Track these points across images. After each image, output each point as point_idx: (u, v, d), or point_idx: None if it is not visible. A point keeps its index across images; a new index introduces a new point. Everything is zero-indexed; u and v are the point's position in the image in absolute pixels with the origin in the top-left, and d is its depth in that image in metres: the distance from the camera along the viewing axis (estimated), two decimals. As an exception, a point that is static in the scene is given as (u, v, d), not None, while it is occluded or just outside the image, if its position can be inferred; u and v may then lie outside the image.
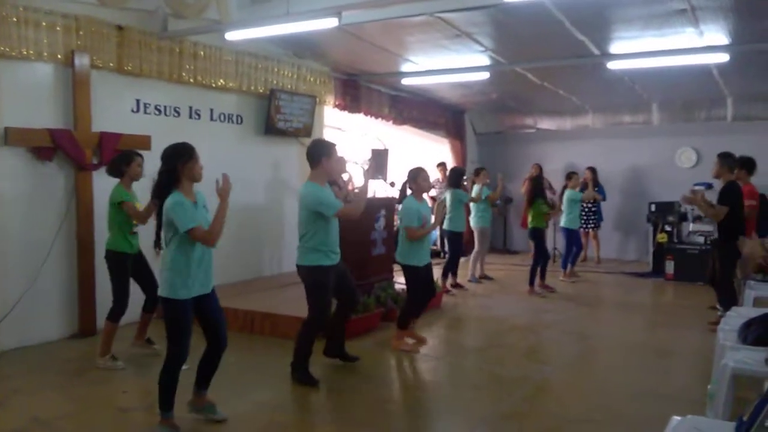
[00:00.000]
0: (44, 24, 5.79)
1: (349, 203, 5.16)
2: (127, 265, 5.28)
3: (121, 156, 5.43)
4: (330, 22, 5.97)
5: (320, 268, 4.89)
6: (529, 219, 8.92)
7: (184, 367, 4.03)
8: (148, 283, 5.45)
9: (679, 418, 2.83)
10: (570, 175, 9.78)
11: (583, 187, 11.14)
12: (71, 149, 5.97)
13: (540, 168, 11.27)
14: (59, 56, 5.94)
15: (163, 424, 3.94)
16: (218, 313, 4.09)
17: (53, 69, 5.98)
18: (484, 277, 9.85)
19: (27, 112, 5.76)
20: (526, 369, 5.60)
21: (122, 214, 5.18)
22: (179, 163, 3.86)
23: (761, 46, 7.36)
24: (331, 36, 7.57)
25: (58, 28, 5.91)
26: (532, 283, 8.74)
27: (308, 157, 5.00)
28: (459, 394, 5.01)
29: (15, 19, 5.55)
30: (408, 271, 5.89)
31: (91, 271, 6.14)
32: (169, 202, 3.80)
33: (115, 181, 5.32)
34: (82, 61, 6.09)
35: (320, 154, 4.93)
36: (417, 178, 5.92)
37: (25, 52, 5.67)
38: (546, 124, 12.95)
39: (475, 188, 9.51)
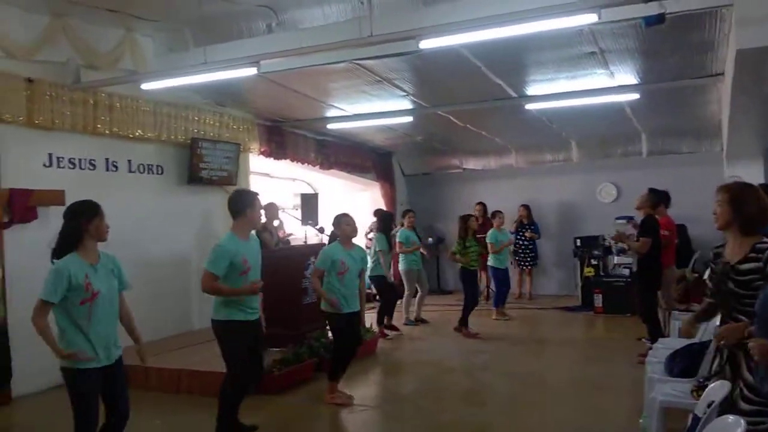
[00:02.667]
0: (-53, 79, 5.53)
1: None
2: None
3: None
4: (248, 71, 5.91)
5: (233, 323, 4.64)
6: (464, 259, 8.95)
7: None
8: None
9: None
10: (494, 214, 9.93)
11: (519, 225, 11.34)
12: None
13: (484, 206, 11.41)
14: (-36, 111, 5.66)
15: None
16: (122, 378, 3.77)
17: (-42, 125, 5.70)
18: (420, 320, 9.77)
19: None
20: (462, 413, 5.54)
21: None
22: (84, 220, 3.61)
23: (668, 85, 7.74)
24: (252, 83, 7.53)
25: (-37, 83, 5.64)
26: (465, 324, 8.73)
27: (230, 208, 4.80)
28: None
29: None
30: (330, 318, 5.72)
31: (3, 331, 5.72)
32: (52, 267, 3.52)
33: None
34: (-12, 115, 5.82)
35: (244, 205, 4.75)
36: (340, 223, 5.81)
37: None
38: (472, 164, 13.18)
39: (400, 232, 9.48)
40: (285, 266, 7.08)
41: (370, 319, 8.53)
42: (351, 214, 5.92)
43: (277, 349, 6.63)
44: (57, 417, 4.92)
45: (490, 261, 9.72)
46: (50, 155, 6.53)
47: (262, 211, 5.93)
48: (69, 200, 6.18)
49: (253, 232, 4.95)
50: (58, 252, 3.58)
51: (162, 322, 7.47)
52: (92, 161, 6.96)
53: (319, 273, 5.61)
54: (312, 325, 7.11)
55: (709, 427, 2.23)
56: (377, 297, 9.34)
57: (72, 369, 3.54)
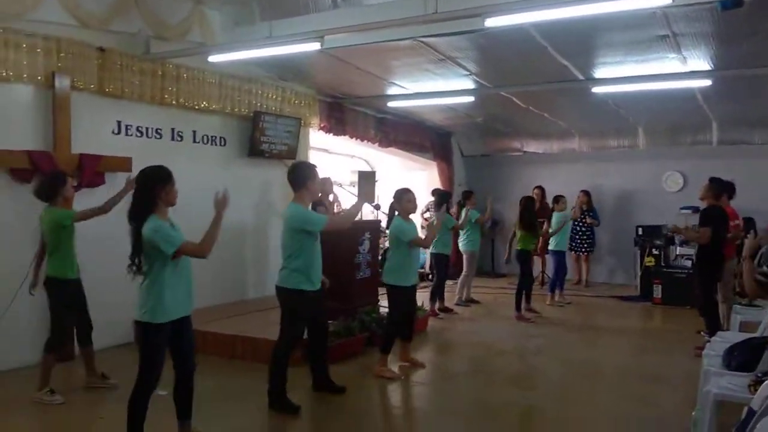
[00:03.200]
0: (24, 46, 5.75)
1: (337, 215, 5.07)
2: (70, 293, 5.08)
3: (54, 176, 5.19)
4: (312, 46, 5.97)
5: (299, 293, 4.81)
6: (516, 241, 8.88)
7: (162, 392, 3.93)
8: (84, 312, 5.24)
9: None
10: (557, 199, 9.77)
11: (578, 211, 11.12)
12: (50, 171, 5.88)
13: (542, 190, 11.26)
14: (39, 78, 5.88)
15: None
16: (190, 337, 4.01)
17: (33, 91, 5.93)
18: (470, 300, 9.78)
19: (6, 133, 5.69)
20: (511, 395, 5.52)
21: (66, 235, 5.00)
22: (158, 186, 3.80)
23: (743, 72, 7.42)
24: (315, 59, 7.57)
25: (38, 50, 5.86)
26: (518, 308, 8.66)
27: (291, 180, 4.96)
28: (442, 421, 4.91)
29: (-6, 41, 5.50)
30: (394, 291, 5.83)
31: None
32: (148, 227, 3.70)
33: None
34: (62, 82, 6.04)
35: (305, 177, 4.91)
36: (401, 199, 5.89)
37: (4, 74, 5.61)
38: (533, 147, 12.98)
39: (464, 212, 9.47)
40: (339, 241, 7.14)
41: (421, 297, 8.59)
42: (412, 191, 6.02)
43: (330, 322, 6.73)
44: (119, 372, 5.19)
45: (551, 245, 9.60)
46: (119, 123, 6.75)
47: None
48: (135, 167, 6.49)
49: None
50: (135, 214, 3.76)
51: (219, 290, 7.70)
52: (159, 130, 7.16)
53: (419, 240, 5.90)
54: (364, 300, 7.19)
55: (764, 422, 2.17)
56: (430, 276, 9.35)
57: (146, 322, 3.75)
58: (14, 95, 5.82)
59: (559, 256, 9.59)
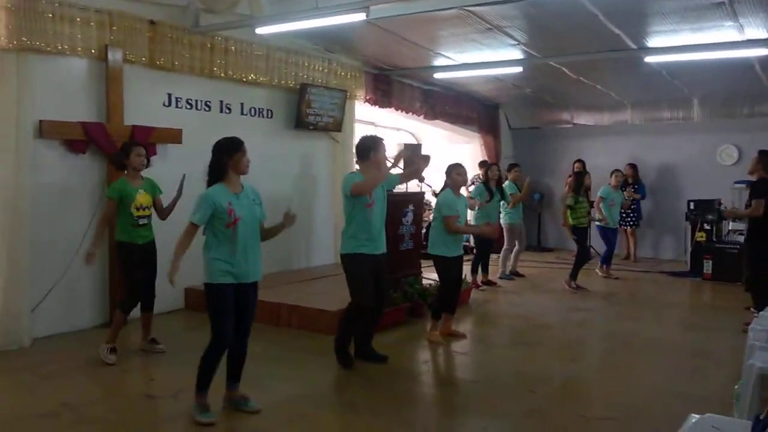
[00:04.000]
0: (78, 20, 5.91)
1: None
2: (134, 257, 5.28)
3: (121, 148, 5.45)
4: (358, 17, 5.98)
5: (356, 256, 5.02)
6: (570, 217, 8.81)
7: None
8: (151, 277, 5.46)
9: (697, 416, 2.75)
10: (613, 173, 9.65)
11: (624, 184, 10.89)
12: (104, 142, 6.09)
13: (583, 164, 11.09)
14: (93, 51, 6.06)
15: (196, 402, 4.07)
16: (253, 300, 4.18)
17: (87, 64, 6.12)
18: (516, 274, 9.75)
19: (61, 105, 5.90)
20: (552, 367, 5.52)
21: (122, 206, 5.20)
22: (226, 156, 4.01)
23: (804, 40, 7.12)
24: (361, 30, 7.57)
25: (92, 24, 6.02)
26: (574, 277, 8.65)
27: (357, 151, 5.22)
28: (481, 390, 4.96)
29: (50, 15, 5.67)
30: (438, 262, 5.95)
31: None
32: (203, 193, 3.96)
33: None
34: (115, 55, 6.20)
35: (368, 149, 5.11)
36: (452, 172, 6.03)
37: (59, 47, 5.79)
38: (583, 119, 12.73)
39: (506, 184, 9.41)
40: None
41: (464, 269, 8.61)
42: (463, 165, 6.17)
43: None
44: (181, 335, 5.41)
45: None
46: (169, 95, 6.91)
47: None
48: (185, 139, 6.66)
49: None
50: (209, 182, 4.04)
51: (268, 259, 7.82)
52: (208, 103, 7.30)
53: (451, 220, 5.86)
54: (407, 271, 7.25)
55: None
56: (473, 249, 9.35)
57: (212, 284, 3.98)
58: (69, 68, 6.02)
59: (605, 231, 9.46)
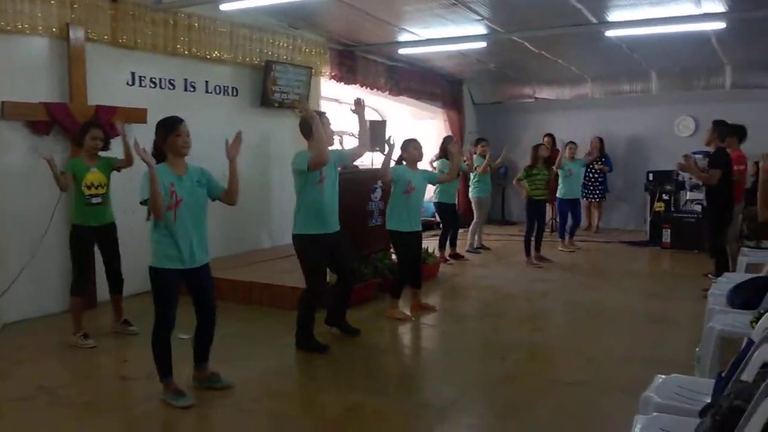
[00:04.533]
0: (38, -3, 5.78)
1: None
2: (84, 239, 5.23)
3: (81, 127, 5.39)
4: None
5: (307, 237, 4.95)
6: (527, 190, 8.95)
7: (184, 336, 4.11)
8: (111, 261, 5.44)
9: (663, 376, 2.91)
10: (567, 145, 9.80)
11: (597, 159, 11.05)
12: (67, 122, 5.98)
13: (553, 138, 11.24)
14: (54, 30, 5.92)
15: (166, 390, 4.05)
16: (206, 283, 4.14)
17: (48, 43, 5.98)
18: (482, 247, 9.92)
19: (23, 86, 5.77)
20: (519, 336, 5.69)
21: (73, 185, 5.16)
22: (161, 137, 3.95)
23: (757, 14, 7.31)
24: (325, 6, 7.55)
25: (52, 2, 5.88)
26: (528, 253, 8.81)
27: (302, 130, 5.07)
28: (453, 360, 5.11)
29: (9, -7, 5.53)
30: (394, 236, 6.01)
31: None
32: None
33: None
34: (76, 34, 6.07)
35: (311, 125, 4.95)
36: (408, 147, 6.08)
37: (20, 26, 5.65)
38: (545, 93, 12.91)
39: (476, 159, 9.53)
40: (352, 189, 7.23)
41: (432, 244, 8.74)
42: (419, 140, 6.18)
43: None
44: (139, 319, 5.40)
45: (560, 192, 9.69)
46: (133, 74, 6.80)
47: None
48: (150, 118, 6.57)
49: None
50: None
51: (232, 240, 7.85)
52: (172, 81, 7.22)
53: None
54: (376, 247, 7.34)
55: (763, 348, 2.29)
56: (439, 224, 9.48)
57: (156, 267, 3.91)
58: (30, 48, 5.89)
59: (571, 203, 9.67)
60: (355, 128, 5.51)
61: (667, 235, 9.89)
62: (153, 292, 4.00)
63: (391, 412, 4.07)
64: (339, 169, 5.29)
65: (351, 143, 9.76)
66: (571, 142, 9.98)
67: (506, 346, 5.37)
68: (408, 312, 6.21)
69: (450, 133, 11.90)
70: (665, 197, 10.35)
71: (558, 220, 10.40)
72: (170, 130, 3.94)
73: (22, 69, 5.81)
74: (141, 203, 3.85)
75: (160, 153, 3.95)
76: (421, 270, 6.40)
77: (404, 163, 6.10)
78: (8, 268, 5.69)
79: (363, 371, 4.77)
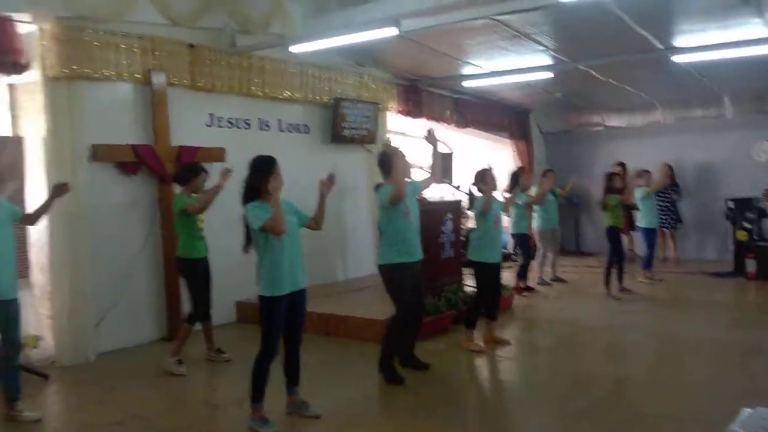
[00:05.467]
0: (123, 46, 6.15)
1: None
2: (197, 271, 5.53)
3: (190, 167, 5.72)
4: (390, 32, 6.11)
5: (395, 266, 5.05)
6: (605, 217, 8.78)
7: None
8: (206, 290, 5.67)
9: (749, 410, 2.78)
10: (641, 173, 9.58)
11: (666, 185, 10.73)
12: (153, 163, 6.30)
13: (623, 166, 11.02)
14: (138, 76, 6.30)
15: (254, 415, 4.17)
16: (302, 305, 4.31)
17: (133, 88, 6.36)
18: (556, 279, 9.72)
19: (111, 129, 6.14)
20: (600, 368, 5.54)
21: (188, 220, 5.43)
22: (259, 177, 4.11)
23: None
24: (390, 43, 7.67)
25: (135, 50, 6.26)
26: (607, 284, 8.59)
27: (380, 167, 5.23)
28: (533, 392, 5.01)
29: (97, 43, 5.92)
30: (476, 267, 5.98)
31: (176, 277, 6.35)
32: (248, 205, 4.08)
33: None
34: (158, 79, 6.43)
35: (389, 161, 5.15)
36: (485, 176, 6.03)
37: (107, 74, 6.04)
38: (615, 121, 12.70)
39: (533, 189, 9.40)
40: (424, 221, 7.25)
41: (508, 276, 8.65)
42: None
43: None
44: (238, 346, 5.64)
45: (639, 221, 9.45)
46: (211, 115, 7.13)
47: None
48: (228, 157, 6.83)
49: None
50: (244, 198, 4.14)
51: (310, 272, 7.92)
52: (247, 121, 7.51)
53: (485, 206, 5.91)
54: (448, 279, 7.32)
55: None
56: (513, 256, 9.38)
57: (266, 296, 4.10)
58: (117, 93, 6.26)
59: (649, 232, 9.39)
60: (425, 159, 5.60)
61: (752, 266, 9.45)
62: (261, 320, 4.15)
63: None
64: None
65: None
66: (645, 170, 9.74)
67: (586, 378, 5.23)
68: (482, 344, 6.15)
69: (519, 164, 11.87)
70: (747, 225, 9.91)
71: (636, 250, 10.08)
72: (269, 171, 4.11)
73: (110, 113, 6.18)
74: (260, 230, 4.01)
75: (253, 190, 4.12)
76: (499, 302, 6.34)
77: (481, 194, 6.06)
78: (101, 301, 5.97)
79: (440, 402, 4.73)
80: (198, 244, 5.51)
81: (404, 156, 5.25)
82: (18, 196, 5.70)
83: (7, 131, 5.89)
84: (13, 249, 4.42)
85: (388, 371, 5.12)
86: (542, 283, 9.47)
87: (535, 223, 9.40)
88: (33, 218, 4.66)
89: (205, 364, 5.73)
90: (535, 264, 9.51)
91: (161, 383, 5.25)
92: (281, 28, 7.35)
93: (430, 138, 5.39)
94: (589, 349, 6.17)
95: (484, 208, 5.88)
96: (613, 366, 5.61)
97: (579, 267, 11.05)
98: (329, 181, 4.42)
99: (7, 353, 4.39)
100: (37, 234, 5.72)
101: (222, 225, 5.97)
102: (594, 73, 9.32)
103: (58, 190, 4.49)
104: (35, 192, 5.62)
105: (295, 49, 7.14)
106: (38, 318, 5.82)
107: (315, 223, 4.42)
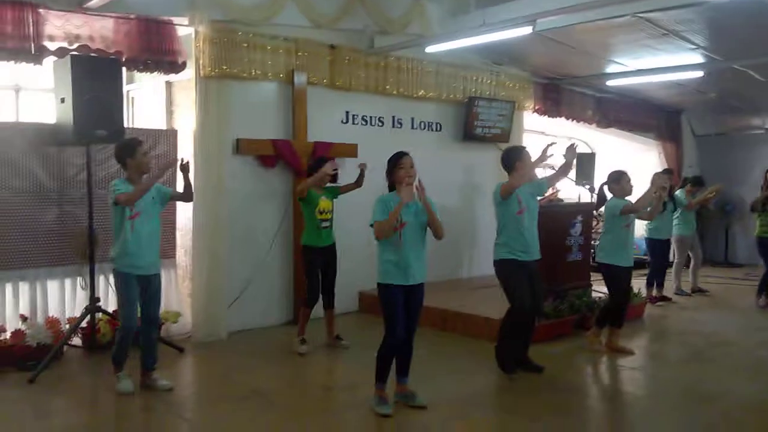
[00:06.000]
0: (269, 48, 6.61)
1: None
2: (315, 259, 5.84)
3: (317, 160, 6.00)
4: (524, 30, 6.10)
5: (505, 262, 5.12)
6: (757, 227, 8.19)
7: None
8: (328, 280, 5.96)
9: None
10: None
11: None
12: (290, 157, 6.74)
13: None
14: (281, 75, 6.74)
15: (376, 394, 4.44)
16: (419, 300, 4.46)
17: (276, 87, 6.82)
18: (698, 290, 9.17)
19: (254, 125, 6.63)
20: (730, 385, 5.20)
21: (306, 210, 5.79)
22: (388, 169, 4.45)
23: None
24: (528, 42, 7.62)
25: (280, 51, 6.71)
26: (761, 293, 8.03)
27: (503, 163, 5.27)
28: (650, 404, 4.84)
29: (245, 45, 6.42)
30: (607, 270, 5.89)
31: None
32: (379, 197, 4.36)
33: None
34: (300, 79, 6.85)
35: (513, 159, 5.17)
36: (620, 180, 5.91)
37: (253, 74, 6.52)
38: (776, 124, 11.72)
39: (679, 192, 8.90)
40: (551, 224, 7.20)
41: (639, 283, 8.30)
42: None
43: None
44: (357, 334, 5.95)
45: None
46: (347, 113, 7.48)
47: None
48: (360, 152, 7.13)
49: None
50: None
51: (435, 268, 8.10)
52: (381, 119, 7.79)
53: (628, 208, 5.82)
54: (574, 283, 7.18)
55: None
56: (647, 263, 8.97)
57: (383, 284, 4.35)
58: (261, 91, 6.75)
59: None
60: (558, 163, 5.54)
61: None
62: (381, 306, 4.39)
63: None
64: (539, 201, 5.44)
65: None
66: None
67: (714, 395, 4.96)
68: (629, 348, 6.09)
69: (666, 166, 11.26)
70: None
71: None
72: (394, 164, 4.40)
73: (254, 110, 6.67)
74: (371, 225, 4.31)
75: (391, 183, 4.44)
76: (627, 309, 6.15)
77: (612, 195, 5.93)
78: (235, 283, 6.50)
79: (551, 405, 4.70)
80: (317, 234, 5.80)
81: (530, 156, 5.27)
82: (169, 183, 6.34)
83: (163, 124, 6.58)
84: (159, 230, 4.90)
85: (501, 360, 5.25)
86: (680, 293, 8.98)
87: (674, 230, 8.93)
88: (186, 194, 5.12)
89: (326, 349, 6.05)
90: (672, 273, 9.05)
91: (283, 363, 5.65)
92: (419, 29, 7.54)
93: (570, 154, 5.31)
94: (720, 364, 5.81)
95: (624, 210, 5.74)
96: (745, 383, 5.24)
97: (724, 278, 10.33)
98: (420, 191, 4.37)
99: (147, 326, 4.90)
100: (184, 219, 6.34)
101: (348, 217, 6.29)
102: (751, 72, 8.65)
103: (183, 168, 4.92)
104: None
105: (432, 49, 7.30)
106: (180, 296, 6.45)
107: (432, 228, 4.45)
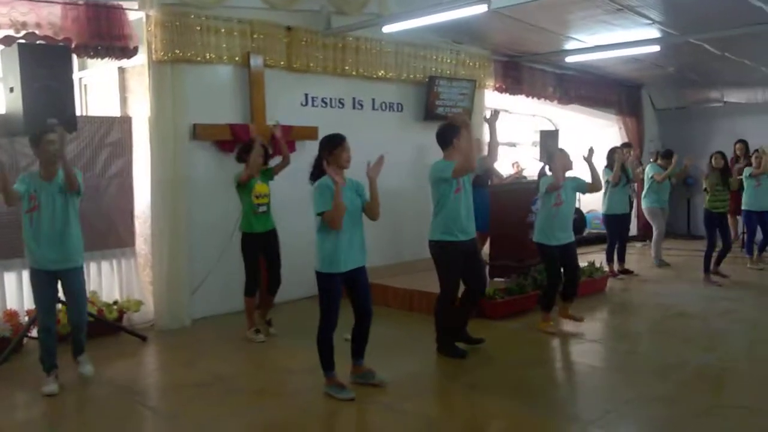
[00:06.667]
0: (223, 30, 6.50)
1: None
2: (253, 245, 5.79)
3: (242, 146, 5.95)
4: (479, 8, 6.08)
5: (444, 244, 5.07)
6: (706, 200, 8.36)
7: (348, 336, 4.52)
8: (273, 264, 5.92)
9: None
10: (755, 153, 8.98)
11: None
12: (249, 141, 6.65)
13: (745, 145, 10.37)
14: (237, 58, 6.64)
15: (328, 383, 4.44)
16: (363, 284, 4.45)
17: (232, 70, 6.71)
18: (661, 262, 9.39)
19: (211, 110, 6.52)
20: (686, 355, 5.34)
21: (245, 195, 5.74)
22: (326, 152, 4.32)
23: None
24: (487, 20, 7.60)
25: (235, 33, 6.60)
26: (707, 270, 8.19)
27: (438, 139, 5.21)
28: (608, 375, 4.96)
29: (198, 28, 6.30)
30: (540, 249, 5.96)
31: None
32: (315, 184, 4.26)
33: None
34: (256, 61, 6.75)
35: (450, 135, 5.11)
36: (553, 157, 5.93)
37: (208, 57, 6.41)
38: (734, 96, 11.87)
39: (649, 168, 9.07)
40: (512, 201, 7.29)
41: (600, 257, 8.44)
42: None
43: (502, 279, 6.96)
44: (306, 319, 5.82)
45: (745, 204, 8.91)
46: (306, 95, 7.40)
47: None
48: (321, 135, 7.06)
49: None
50: (313, 175, 4.36)
51: (399, 248, 8.17)
52: (341, 100, 7.73)
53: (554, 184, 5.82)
54: (536, 259, 7.22)
55: None
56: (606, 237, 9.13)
57: (321, 272, 4.30)
58: (216, 75, 6.64)
59: (760, 216, 8.83)
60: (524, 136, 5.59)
61: None
62: (319, 295, 4.37)
63: (535, 422, 4.06)
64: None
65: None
66: (757, 150, 9.10)
67: (670, 365, 5.07)
68: (561, 326, 6.11)
69: (627, 140, 11.38)
70: None
71: (746, 234, 9.52)
72: (336, 144, 4.32)
73: (210, 94, 6.56)
74: (317, 215, 4.24)
75: (320, 168, 4.33)
76: (577, 284, 6.21)
77: (550, 173, 5.94)
78: (197, 270, 6.44)
79: (512, 379, 4.78)
80: (254, 219, 5.74)
81: (467, 134, 5.03)
82: (125, 171, 6.26)
83: (116, 111, 6.45)
84: (67, 223, 4.62)
85: (446, 348, 5.25)
86: (658, 263, 9.17)
87: (645, 203, 9.09)
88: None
89: (291, 332, 6.01)
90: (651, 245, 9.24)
91: (247, 348, 5.65)
92: (377, 8, 7.48)
93: (492, 119, 5.29)
94: (677, 336, 5.94)
95: (549, 188, 5.78)
96: (700, 354, 5.38)
97: (685, 250, 10.54)
98: (376, 165, 4.31)
99: (73, 328, 4.87)
100: (141, 207, 6.25)
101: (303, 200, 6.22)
102: (707, 46, 8.76)
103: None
104: (141, 167, 6.11)
105: (388, 29, 7.23)
106: (141, 284, 6.39)
107: (369, 210, 4.40)
